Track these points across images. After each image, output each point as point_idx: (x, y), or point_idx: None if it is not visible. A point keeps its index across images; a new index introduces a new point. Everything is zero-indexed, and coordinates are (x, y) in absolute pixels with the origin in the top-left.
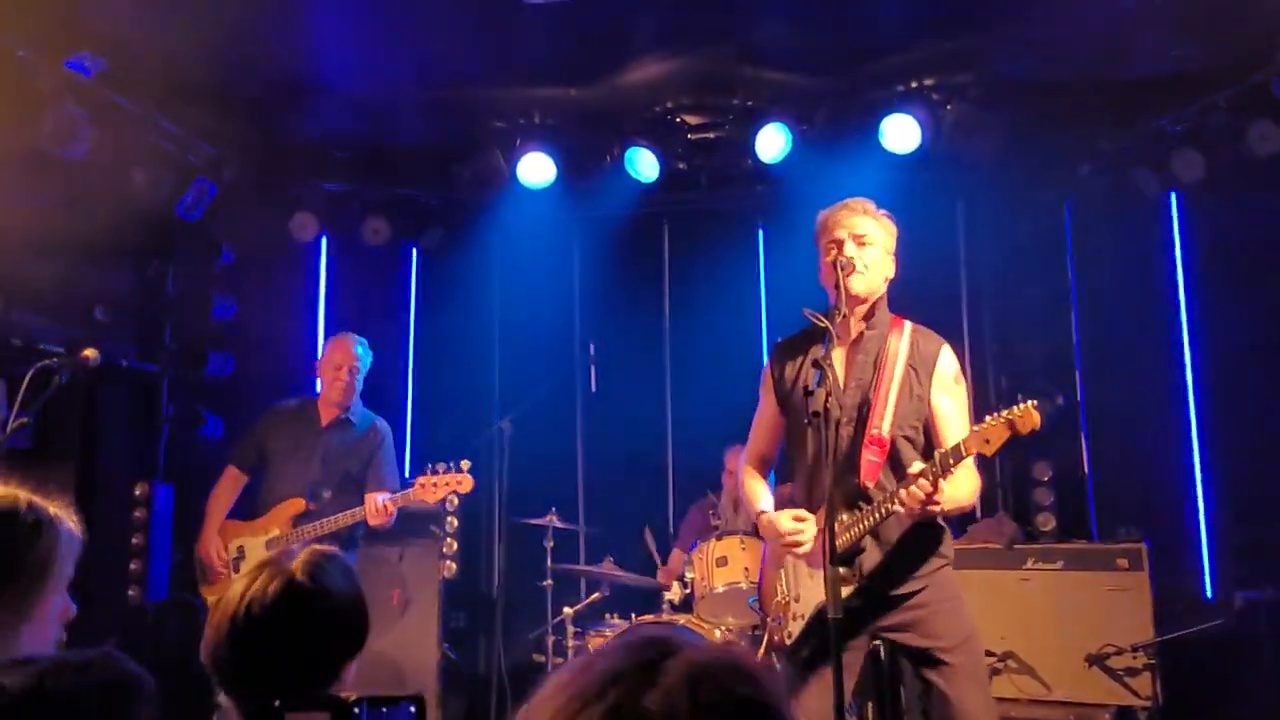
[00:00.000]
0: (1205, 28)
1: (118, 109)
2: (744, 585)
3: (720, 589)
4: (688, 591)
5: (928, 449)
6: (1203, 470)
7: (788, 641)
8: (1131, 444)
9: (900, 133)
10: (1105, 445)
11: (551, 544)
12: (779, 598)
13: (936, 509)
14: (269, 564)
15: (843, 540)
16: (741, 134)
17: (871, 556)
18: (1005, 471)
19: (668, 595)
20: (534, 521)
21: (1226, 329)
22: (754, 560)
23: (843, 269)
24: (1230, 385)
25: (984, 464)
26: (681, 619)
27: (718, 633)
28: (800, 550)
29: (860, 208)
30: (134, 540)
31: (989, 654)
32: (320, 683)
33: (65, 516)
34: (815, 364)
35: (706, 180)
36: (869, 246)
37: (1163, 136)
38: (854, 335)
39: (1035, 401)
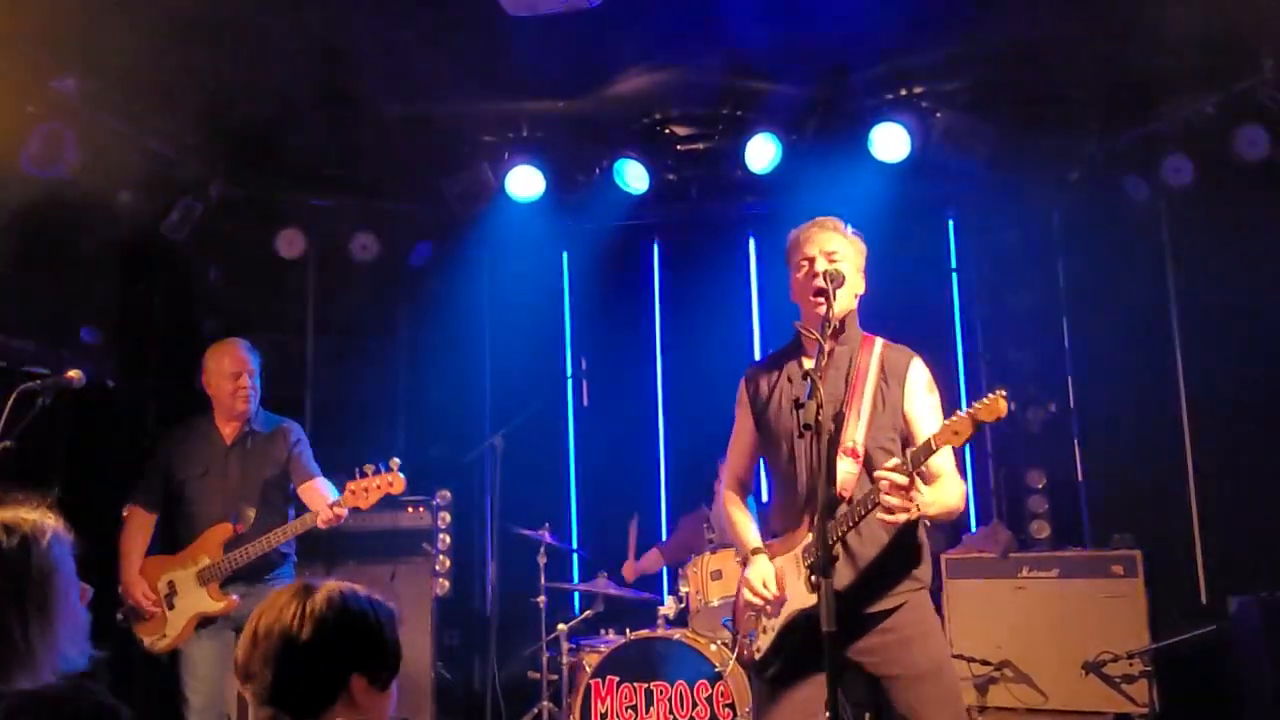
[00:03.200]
0: (1193, 34)
1: (103, 129)
2: None
3: (715, 603)
4: (682, 606)
5: None
6: (1195, 475)
7: (756, 656)
8: (1124, 450)
9: (890, 141)
10: (1098, 452)
11: (545, 560)
12: (750, 613)
13: (915, 507)
14: (303, 587)
15: (815, 550)
16: (731, 144)
17: (844, 569)
18: (999, 480)
19: (662, 610)
20: (526, 532)
21: (1217, 333)
22: None
23: (833, 281)
24: (1221, 390)
25: (977, 472)
26: (676, 634)
27: (713, 647)
28: (756, 604)
29: (831, 225)
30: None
31: (985, 663)
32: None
33: (43, 520)
34: (805, 376)
35: (696, 191)
36: (840, 263)
37: (1151, 142)
38: (828, 347)
39: (1004, 390)
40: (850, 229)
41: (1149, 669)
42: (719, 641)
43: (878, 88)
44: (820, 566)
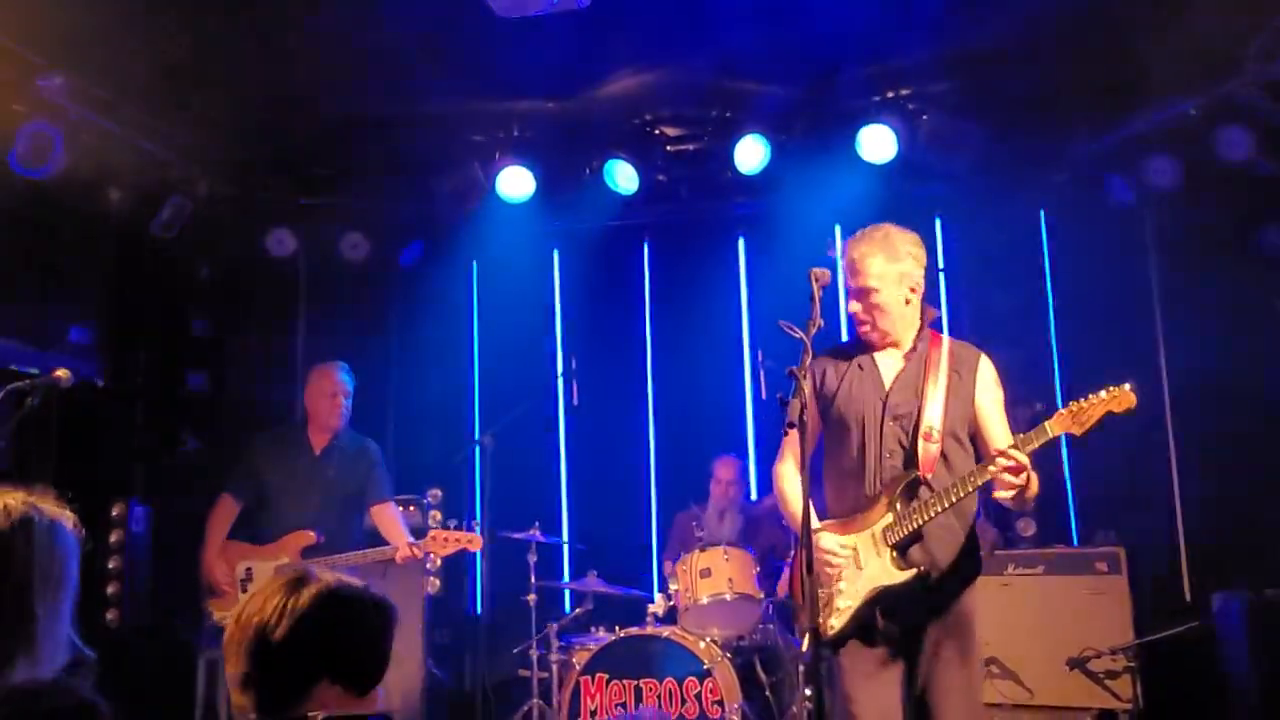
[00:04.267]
0: (1176, 37)
1: (92, 127)
2: (728, 596)
3: (704, 600)
4: (671, 604)
5: (976, 454)
6: (1179, 475)
7: (829, 634)
8: (1109, 449)
9: (877, 143)
10: (1084, 451)
11: (535, 559)
12: (823, 590)
13: (1025, 483)
14: (295, 579)
15: (901, 529)
16: (720, 145)
17: (925, 550)
18: None
19: (651, 608)
20: (517, 536)
21: (1200, 333)
22: (737, 571)
23: (859, 322)
24: (1205, 390)
25: None
26: (665, 631)
27: (702, 644)
28: (830, 569)
29: (864, 251)
30: (111, 563)
31: None
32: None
33: (46, 513)
34: (789, 374)
35: (686, 192)
36: (875, 293)
37: (1136, 143)
38: (908, 346)
39: (1130, 384)
40: (897, 236)
41: (1133, 665)
42: (708, 639)
43: (865, 89)
44: (808, 564)
